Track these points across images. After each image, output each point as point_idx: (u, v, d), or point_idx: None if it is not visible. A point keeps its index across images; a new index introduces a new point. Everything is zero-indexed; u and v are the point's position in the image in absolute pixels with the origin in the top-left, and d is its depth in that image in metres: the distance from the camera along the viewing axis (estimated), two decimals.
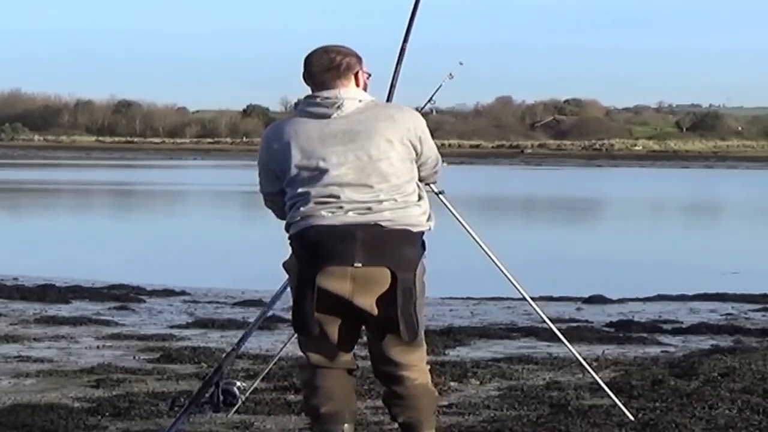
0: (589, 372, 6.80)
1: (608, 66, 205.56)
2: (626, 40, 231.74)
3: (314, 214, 4.84)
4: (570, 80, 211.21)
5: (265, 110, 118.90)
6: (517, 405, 6.94)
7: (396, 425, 5.29)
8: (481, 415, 6.74)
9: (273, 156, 4.96)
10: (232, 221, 29.11)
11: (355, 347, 5.07)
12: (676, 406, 6.79)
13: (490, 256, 6.52)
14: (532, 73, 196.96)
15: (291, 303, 4.95)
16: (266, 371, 7.20)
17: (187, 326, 10.79)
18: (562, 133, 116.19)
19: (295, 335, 5.06)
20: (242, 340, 5.92)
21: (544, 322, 6.74)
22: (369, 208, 4.82)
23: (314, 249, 4.82)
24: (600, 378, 6.84)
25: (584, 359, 6.89)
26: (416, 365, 4.96)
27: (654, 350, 9.40)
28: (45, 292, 13.10)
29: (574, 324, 11.07)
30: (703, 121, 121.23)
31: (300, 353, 5.13)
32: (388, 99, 6.07)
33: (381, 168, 4.85)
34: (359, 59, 5.01)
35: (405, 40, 6.28)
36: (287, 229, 4.96)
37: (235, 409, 6.15)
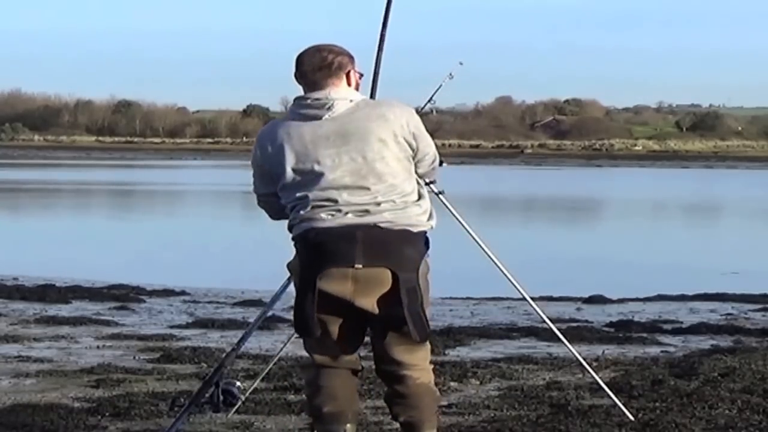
0: (589, 372, 6.80)
1: (608, 66, 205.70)
2: (626, 39, 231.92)
3: (314, 217, 4.83)
4: (570, 80, 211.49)
5: (265, 110, 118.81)
6: (517, 405, 6.94)
7: (396, 425, 5.28)
8: (481, 415, 6.75)
9: (267, 158, 4.94)
10: (232, 221, 29.13)
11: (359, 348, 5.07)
12: (676, 406, 6.79)
13: (490, 256, 6.52)
14: (532, 73, 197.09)
15: (292, 303, 4.95)
16: (266, 371, 7.20)
17: (187, 326, 10.79)
18: (562, 133, 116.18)
19: (297, 335, 5.06)
20: (242, 340, 5.91)
21: (544, 322, 6.74)
22: (367, 211, 4.81)
23: (315, 250, 4.81)
24: (600, 378, 6.84)
25: (584, 359, 6.89)
26: (419, 365, 4.95)
27: (654, 350, 9.40)
28: (45, 292, 13.11)
29: (574, 324, 11.07)
30: (703, 121, 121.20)
31: (303, 353, 5.13)
32: (373, 89, 5.94)
33: (376, 168, 4.82)
34: (351, 58, 4.97)
35: (384, 26, 6.14)
36: (290, 229, 4.96)
37: (235, 409, 6.16)
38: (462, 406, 6.97)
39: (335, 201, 4.81)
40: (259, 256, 17.89)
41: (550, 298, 13.42)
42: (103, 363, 8.37)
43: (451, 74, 6.57)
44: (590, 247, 23.69)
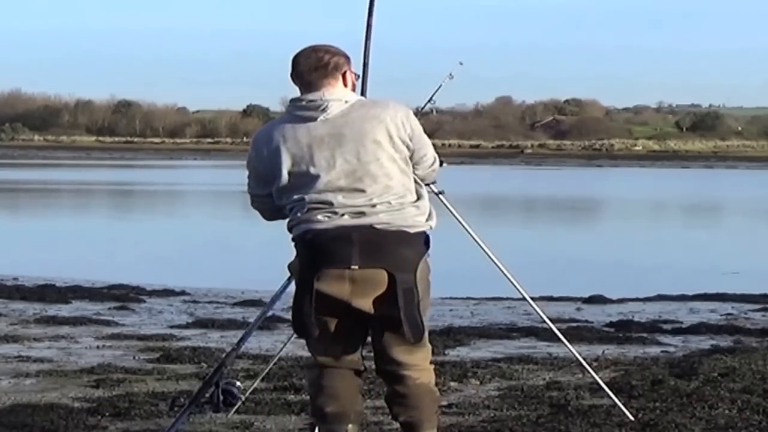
0: (589, 372, 6.80)
1: (608, 66, 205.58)
2: (626, 39, 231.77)
3: (310, 219, 4.83)
4: (570, 80, 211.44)
5: (265, 110, 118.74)
6: (517, 405, 6.94)
7: (396, 425, 5.28)
8: (481, 415, 6.75)
9: (263, 160, 4.94)
10: (231, 221, 29.10)
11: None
12: (676, 406, 6.79)
13: (490, 256, 6.51)
14: (532, 73, 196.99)
15: (291, 303, 4.95)
16: (266, 371, 7.19)
17: (187, 326, 10.79)
18: (562, 133, 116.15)
19: (295, 336, 5.06)
20: (242, 340, 5.91)
21: (544, 322, 6.74)
22: (362, 213, 4.80)
23: (312, 251, 4.82)
24: (600, 378, 6.84)
25: (584, 359, 6.89)
26: (419, 365, 4.95)
27: (654, 350, 9.40)
28: (45, 292, 13.11)
29: (574, 324, 11.07)
30: (703, 121, 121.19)
31: (303, 353, 5.14)
32: (363, 85, 5.89)
33: (371, 170, 4.81)
34: (348, 59, 4.96)
35: (370, 14, 6.06)
36: (289, 230, 4.96)
37: (235, 409, 6.16)
38: (462, 406, 6.97)
39: (331, 203, 4.81)
40: (259, 256, 17.87)
41: (550, 298, 13.42)
42: (103, 363, 8.37)
43: (451, 74, 6.56)
44: (590, 247, 23.69)
